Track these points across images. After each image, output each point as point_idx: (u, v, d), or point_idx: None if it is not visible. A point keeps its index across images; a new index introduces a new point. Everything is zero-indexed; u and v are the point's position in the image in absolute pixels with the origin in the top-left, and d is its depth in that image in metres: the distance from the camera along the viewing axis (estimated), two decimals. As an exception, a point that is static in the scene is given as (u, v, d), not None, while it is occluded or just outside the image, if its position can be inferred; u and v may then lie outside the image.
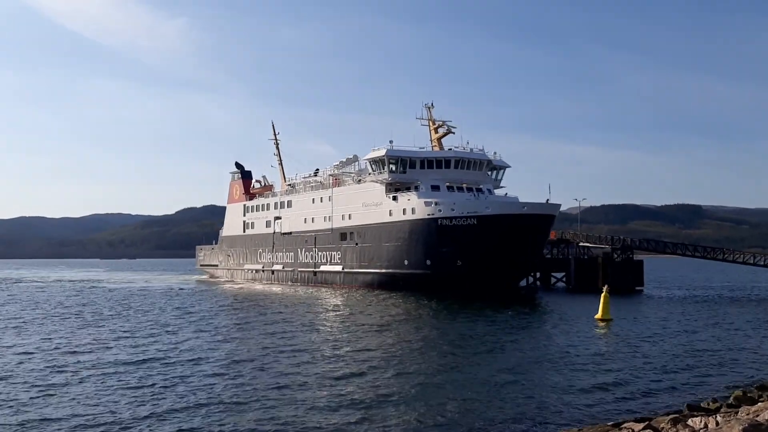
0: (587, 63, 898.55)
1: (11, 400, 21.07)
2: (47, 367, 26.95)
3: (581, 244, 79.49)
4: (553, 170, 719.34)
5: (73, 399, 21.30)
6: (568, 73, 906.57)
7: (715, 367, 28.03)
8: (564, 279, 79.36)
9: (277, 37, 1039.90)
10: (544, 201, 67.62)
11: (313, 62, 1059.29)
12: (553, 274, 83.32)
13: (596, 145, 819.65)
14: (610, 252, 74.94)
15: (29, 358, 29.02)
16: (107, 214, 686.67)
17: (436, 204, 68.18)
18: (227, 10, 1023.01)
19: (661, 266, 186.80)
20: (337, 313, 48.76)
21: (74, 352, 30.87)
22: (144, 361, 28.33)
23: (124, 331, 38.85)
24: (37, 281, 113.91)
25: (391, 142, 74.26)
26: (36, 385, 23.32)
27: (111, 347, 32.41)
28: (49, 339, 35.47)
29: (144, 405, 20.58)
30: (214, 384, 23.66)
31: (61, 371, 26.00)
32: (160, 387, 23.14)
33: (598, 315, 44.22)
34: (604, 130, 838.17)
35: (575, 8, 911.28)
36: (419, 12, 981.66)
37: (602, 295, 44.97)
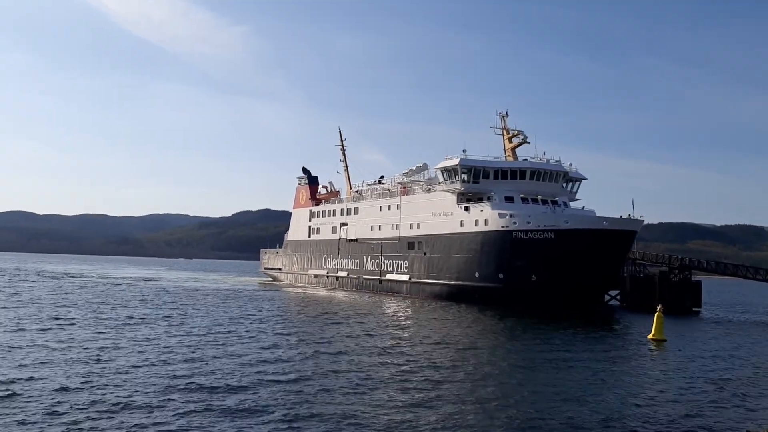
0: (647, 75, 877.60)
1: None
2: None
3: (637, 262, 76.72)
4: (611, 185, 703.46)
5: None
6: (628, 86, 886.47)
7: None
8: (618, 297, 76.70)
9: (337, 46, 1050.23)
10: (618, 216, 65.49)
11: (371, 71, 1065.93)
12: None
13: (655, 161, 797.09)
14: (668, 271, 72.58)
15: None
16: (166, 214, 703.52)
17: (510, 216, 66.62)
18: (288, 19, 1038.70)
19: (720, 288, 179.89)
20: (421, 328, 47.15)
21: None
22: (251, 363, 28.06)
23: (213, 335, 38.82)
24: (133, 278, 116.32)
25: (464, 151, 73.23)
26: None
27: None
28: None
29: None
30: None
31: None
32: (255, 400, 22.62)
33: (651, 335, 43.24)
34: (663, 147, 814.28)
35: (638, 21, 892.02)
36: (477, 22, 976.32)
37: (656, 315, 44.01)
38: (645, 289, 72.16)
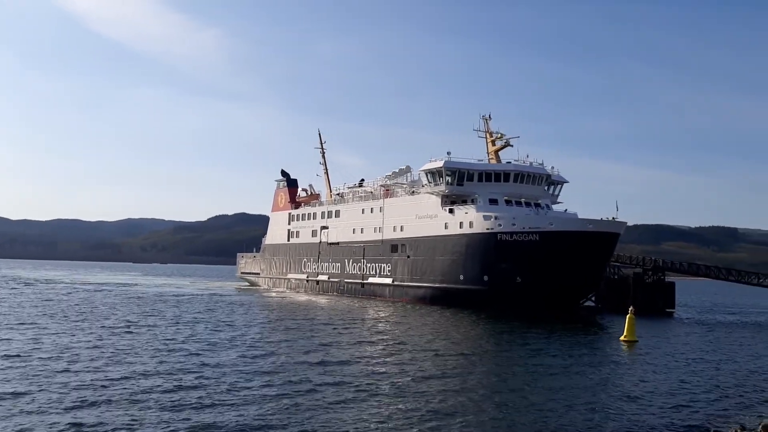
0: (624, 79, 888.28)
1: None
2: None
3: (612, 263, 76.84)
4: (588, 187, 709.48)
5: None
6: (604, 88, 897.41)
7: (742, 395, 26.49)
8: (593, 298, 76.69)
9: (313, 49, 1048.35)
10: (601, 218, 65.39)
11: (347, 75, 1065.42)
12: None
13: (630, 163, 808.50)
14: (641, 273, 72.93)
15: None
16: (141, 218, 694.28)
17: (495, 218, 66.05)
18: (263, 22, 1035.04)
19: (693, 289, 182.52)
20: (406, 335, 46.20)
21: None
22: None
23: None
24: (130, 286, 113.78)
25: (448, 153, 72.45)
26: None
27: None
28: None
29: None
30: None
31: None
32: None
33: (623, 336, 43.73)
34: (638, 149, 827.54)
35: (618, 26, 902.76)
36: (458, 27, 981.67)
37: (627, 316, 44.50)
38: (619, 291, 72.43)
